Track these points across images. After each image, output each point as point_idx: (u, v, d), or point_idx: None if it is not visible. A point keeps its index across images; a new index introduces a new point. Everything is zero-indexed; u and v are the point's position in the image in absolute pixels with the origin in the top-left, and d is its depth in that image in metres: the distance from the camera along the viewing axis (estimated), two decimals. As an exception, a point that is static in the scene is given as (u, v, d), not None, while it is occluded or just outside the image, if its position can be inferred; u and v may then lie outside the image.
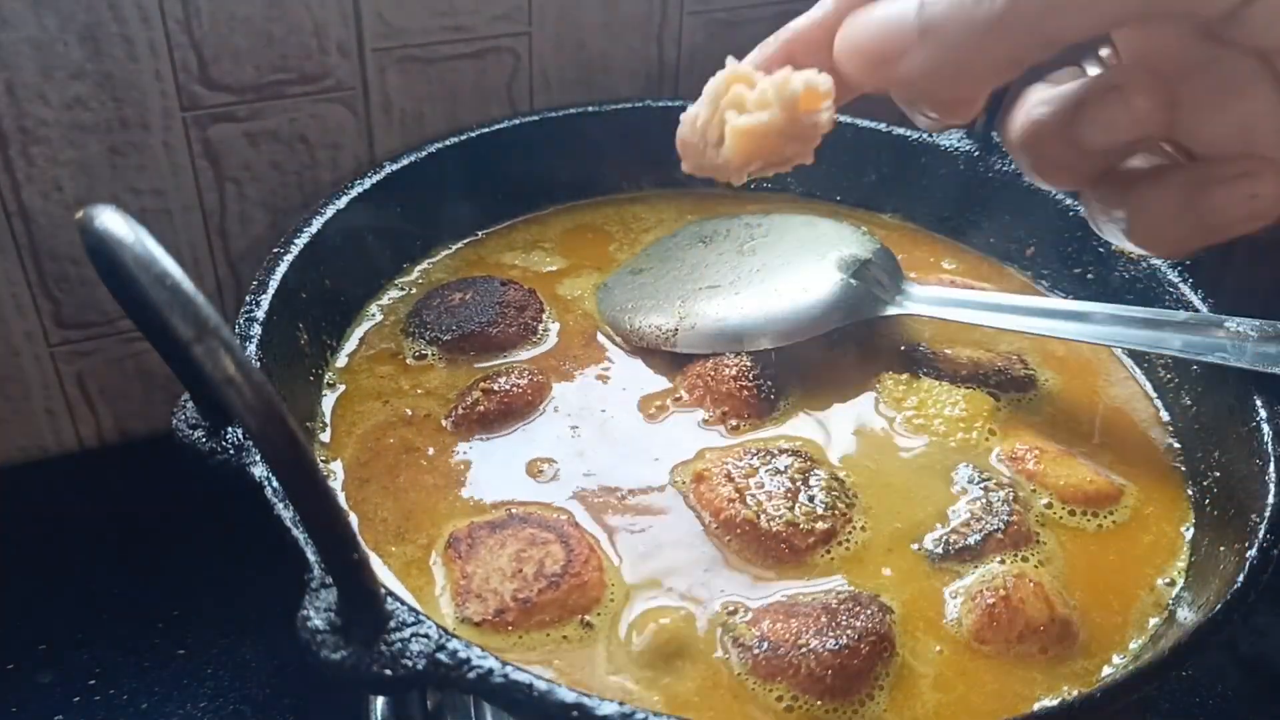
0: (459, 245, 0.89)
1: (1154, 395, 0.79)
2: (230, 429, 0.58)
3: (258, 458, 0.57)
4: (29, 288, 0.85)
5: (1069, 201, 0.86)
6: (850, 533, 0.65)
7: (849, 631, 0.57)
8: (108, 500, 0.93)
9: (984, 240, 0.92)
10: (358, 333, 0.79)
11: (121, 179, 0.84)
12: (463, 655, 0.48)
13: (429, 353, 0.77)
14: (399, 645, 0.48)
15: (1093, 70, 0.50)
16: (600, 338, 0.80)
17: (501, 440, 0.71)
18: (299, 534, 0.52)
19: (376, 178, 0.82)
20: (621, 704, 0.48)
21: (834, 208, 0.97)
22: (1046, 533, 0.67)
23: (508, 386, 0.72)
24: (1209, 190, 0.46)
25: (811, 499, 0.65)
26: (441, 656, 0.48)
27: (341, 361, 0.77)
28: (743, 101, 0.50)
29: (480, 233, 0.90)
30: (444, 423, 0.71)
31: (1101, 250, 0.84)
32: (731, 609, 0.60)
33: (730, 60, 0.52)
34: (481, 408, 0.71)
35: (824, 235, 0.82)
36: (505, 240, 0.90)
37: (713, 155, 0.53)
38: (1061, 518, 0.68)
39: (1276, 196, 0.45)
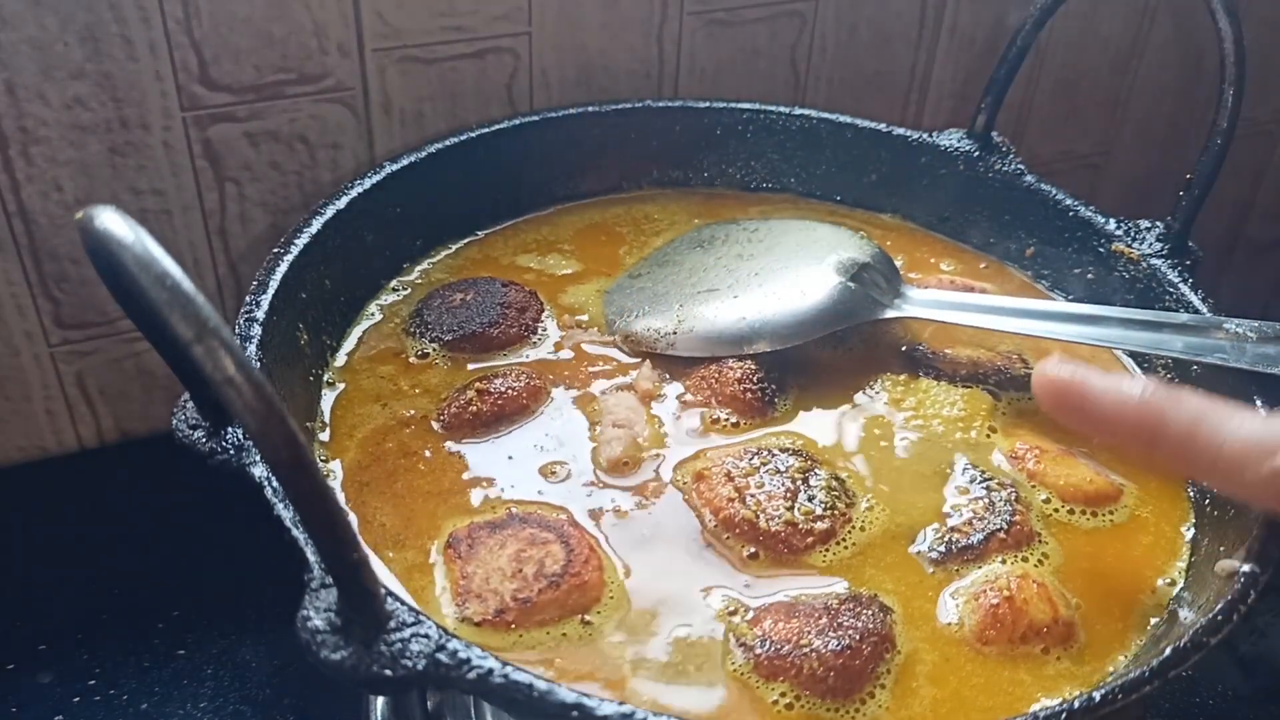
0: (459, 245, 0.89)
1: (1154, 395, 0.79)
2: (230, 429, 0.58)
3: (258, 458, 0.57)
4: (29, 288, 0.85)
5: (1069, 201, 0.86)
6: (850, 532, 0.65)
7: (850, 632, 0.57)
8: (108, 500, 0.93)
9: (984, 240, 0.92)
10: (357, 332, 0.79)
11: (121, 179, 0.84)
12: (463, 655, 0.48)
13: (430, 351, 0.77)
14: (399, 645, 0.48)
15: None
16: (600, 340, 0.79)
17: (499, 441, 0.71)
18: (299, 534, 0.52)
19: (376, 178, 0.81)
20: (621, 704, 0.48)
21: (833, 207, 0.97)
22: (1048, 532, 0.67)
23: (503, 388, 0.72)
24: None
25: (811, 499, 0.65)
26: (441, 656, 0.48)
27: (341, 361, 0.77)
28: None
29: (480, 232, 0.90)
30: (434, 424, 0.71)
31: (1101, 250, 0.84)
32: (732, 609, 0.61)
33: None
34: (475, 408, 0.71)
35: (822, 239, 0.82)
36: (517, 241, 0.90)
37: None
38: (1062, 517, 0.68)
39: None
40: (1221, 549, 0.64)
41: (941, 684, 0.59)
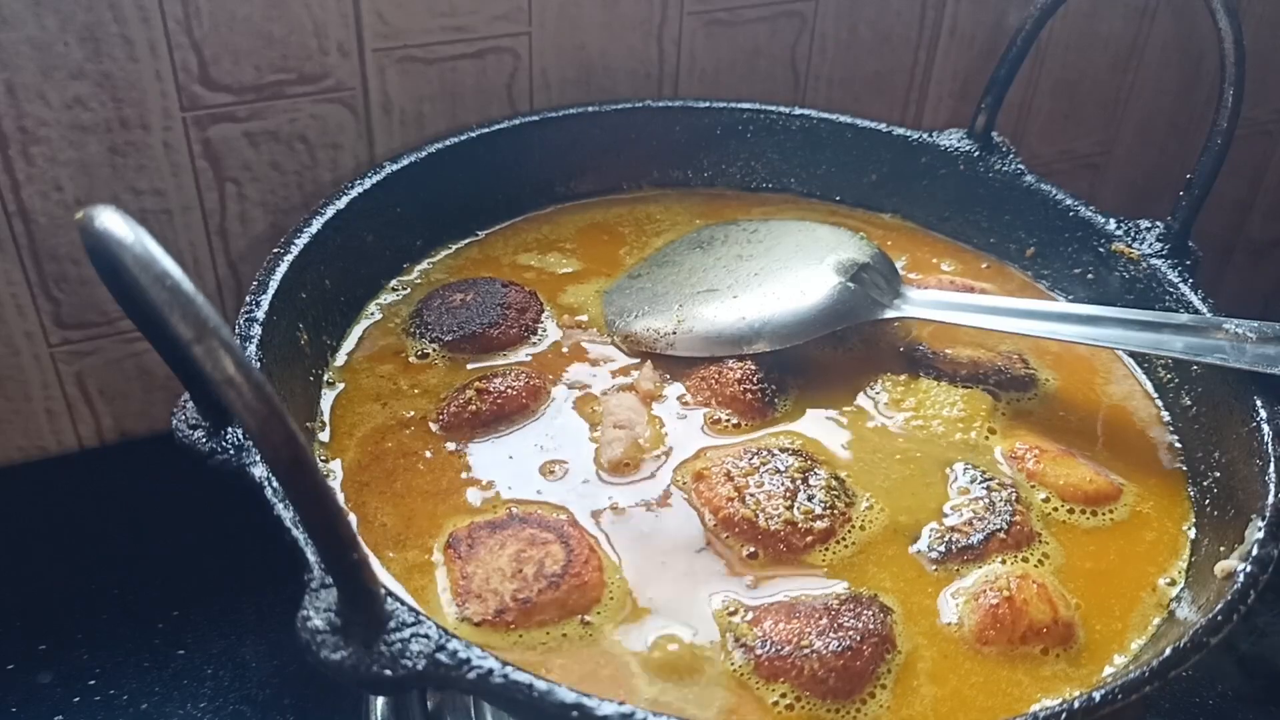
0: (459, 245, 0.89)
1: (1154, 395, 0.79)
2: (230, 429, 0.58)
3: (257, 458, 0.57)
4: (29, 288, 0.85)
5: (1069, 201, 0.86)
6: (850, 532, 0.65)
7: (851, 633, 0.57)
8: (108, 500, 0.93)
9: (984, 240, 0.92)
10: (357, 332, 0.79)
11: (121, 179, 0.84)
12: (462, 655, 0.48)
13: (430, 351, 0.77)
14: (399, 645, 0.48)
15: None
16: (600, 340, 0.79)
17: (498, 441, 0.71)
18: (299, 534, 0.52)
19: (376, 178, 0.81)
20: (621, 703, 0.48)
21: (834, 208, 0.97)
22: (1048, 533, 0.67)
23: (502, 387, 0.72)
24: None
25: (811, 498, 0.65)
26: (441, 657, 0.48)
27: (341, 361, 0.77)
28: None
29: (481, 232, 0.90)
30: (433, 425, 0.71)
31: (1101, 250, 0.84)
32: (732, 609, 0.60)
33: None
34: (474, 407, 0.71)
35: (821, 240, 0.82)
36: (517, 241, 0.90)
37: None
38: (1062, 517, 0.68)
39: None
40: (1222, 549, 0.64)
41: (942, 683, 0.59)
